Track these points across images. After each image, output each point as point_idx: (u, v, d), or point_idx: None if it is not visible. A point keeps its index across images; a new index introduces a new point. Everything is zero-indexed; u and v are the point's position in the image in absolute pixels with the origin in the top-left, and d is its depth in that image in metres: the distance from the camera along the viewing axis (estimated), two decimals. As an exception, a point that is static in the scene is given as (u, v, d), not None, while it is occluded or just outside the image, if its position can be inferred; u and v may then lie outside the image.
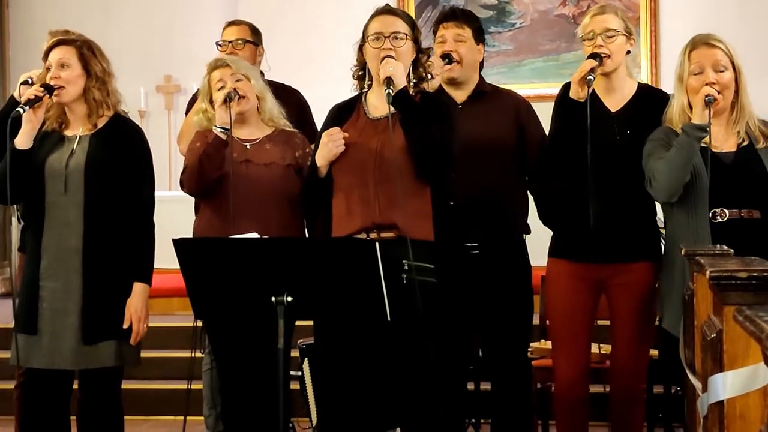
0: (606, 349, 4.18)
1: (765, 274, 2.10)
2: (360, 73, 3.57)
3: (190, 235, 3.95)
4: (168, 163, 7.76)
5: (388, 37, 3.45)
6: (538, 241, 4.02)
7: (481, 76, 4.07)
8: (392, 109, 3.35)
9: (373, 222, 3.39)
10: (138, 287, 3.57)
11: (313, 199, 3.62)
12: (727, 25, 6.76)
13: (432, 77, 3.84)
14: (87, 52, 3.60)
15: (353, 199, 3.43)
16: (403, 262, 3.26)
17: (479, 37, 4.05)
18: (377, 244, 3.02)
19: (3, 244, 8.36)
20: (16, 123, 3.52)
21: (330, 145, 3.43)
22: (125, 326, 3.54)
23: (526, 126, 3.97)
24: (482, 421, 4.76)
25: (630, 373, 3.75)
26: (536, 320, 4.23)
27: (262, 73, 4.73)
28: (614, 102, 3.77)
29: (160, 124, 8.34)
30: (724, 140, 3.54)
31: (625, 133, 3.70)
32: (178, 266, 3.14)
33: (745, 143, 3.55)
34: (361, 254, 3.03)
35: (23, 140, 3.52)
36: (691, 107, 3.50)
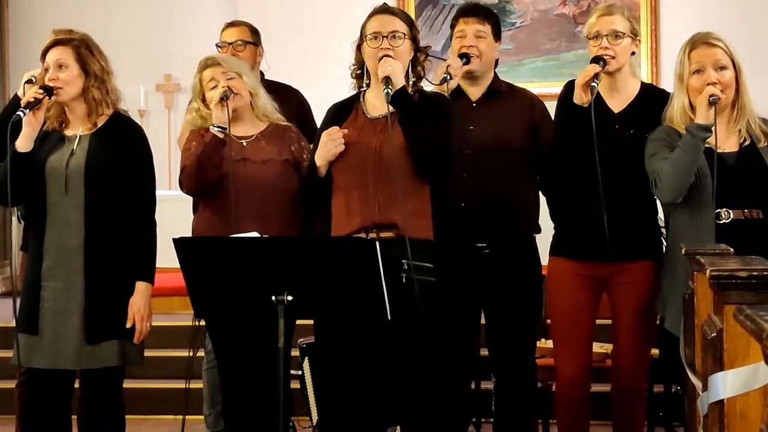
0: (607, 348, 4.19)
1: (765, 273, 2.10)
2: (358, 72, 3.57)
3: (190, 234, 3.95)
4: (168, 162, 7.76)
5: (386, 36, 3.44)
6: (548, 240, 3.99)
7: (496, 74, 4.06)
8: (391, 108, 3.35)
9: (372, 221, 3.39)
10: (140, 286, 3.57)
11: (313, 199, 3.62)
12: (727, 23, 6.76)
13: (450, 77, 3.83)
14: (84, 51, 3.59)
15: (353, 199, 3.43)
16: (403, 261, 3.26)
17: (498, 34, 4.03)
18: (377, 243, 3.02)
19: (3, 243, 8.36)
20: (16, 126, 3.52)
21: (330, 145, 3.43)
22: (128, 325, 3.54)
23: (540, 126, 3.94)
24: (483, 420, 4.76)
25: (631, 372, 3.75)
26: (540, 319, 4.23)
27: (262, 73, 4.74)
28: (617, 102, 3.76)
29: (160, 123, 8.34)
30: (725, 139, 3.53)
31: (628, 133, 3.69)
32: (178, 265, 3.15)
33: (747, 143, 3.54)
34: (362, 253, 3.03)
35: (24, 143, 3.52)
36: (692, 107, 3.50)
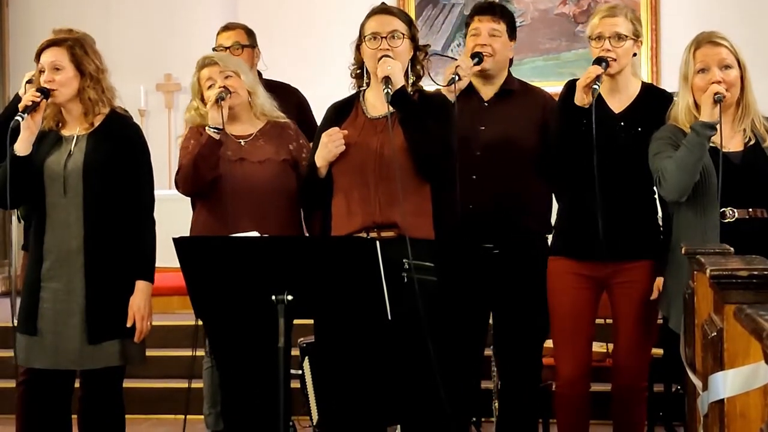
0: (608, 347, 4.19)
1: (766, 272, 2.10)
2: (358, 72, 3.57)
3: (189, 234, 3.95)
4: (168, 161, 7.75)
5: (385, 36, 3.44)
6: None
7: (509, 73, 4.04)
8: (391, 108, 3.35)
9: (373, 221, 3.39)
10: (140, 285, 3.57)
11: (312, 199, 3.62)
12: (727, 23, 6.73)
13: (459, 78, 3.82)
14: (79, 51, 3.58)
15: (353, 199, 3.43)
16: (403, 261, 3.26)
17: (513, 32, 4.02)
18: (378, 242, 3.02)
19: (3, 243, 8.35)
20: (15, 132, 3.51)
21: (330, 146, 3.43)
22: (128, 325, 3.54)
23: (549, 124, 3.90)
24: (483, 419, 4.76)
25: (631, 371, 3.75)
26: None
27: (260, 73, 4.73)
28: (618, 102, 3.75)
29: (160, 123, 8.34)
30: (729, 138, 3.52)
31: (629, 133, 3.68)
32: (178, 265, 3.14)
33: (752, 142, 3.54)
34: (362, 253, 3.03)
35: (22, 146, 3.51)
36: (697, 106, 3.49)
